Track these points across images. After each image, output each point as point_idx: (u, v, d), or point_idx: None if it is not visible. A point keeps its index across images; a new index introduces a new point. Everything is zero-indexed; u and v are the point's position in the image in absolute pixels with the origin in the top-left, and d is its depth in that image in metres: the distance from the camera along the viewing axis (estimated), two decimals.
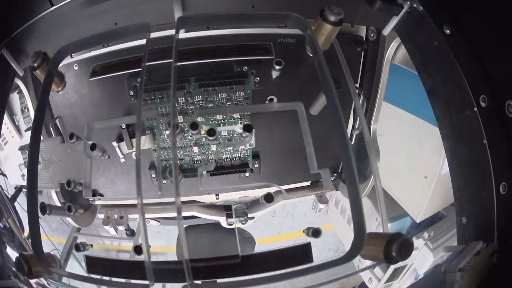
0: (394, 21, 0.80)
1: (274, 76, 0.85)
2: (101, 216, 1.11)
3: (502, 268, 0.57)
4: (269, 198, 0.89)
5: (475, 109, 0.66)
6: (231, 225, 1.10)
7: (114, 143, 0.92)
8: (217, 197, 1.07)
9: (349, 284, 2.28)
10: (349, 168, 0.53)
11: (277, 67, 0.80)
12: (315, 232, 0.87)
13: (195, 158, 0.95)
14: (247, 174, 0.98)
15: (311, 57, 0.65)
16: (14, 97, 1.56)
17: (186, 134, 0.90)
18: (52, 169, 0.96)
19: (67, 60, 0.90)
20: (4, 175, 1.71)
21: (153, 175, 0.97)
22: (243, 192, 1.07)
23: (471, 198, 0.69)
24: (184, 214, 1.12)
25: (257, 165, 0.97)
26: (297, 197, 1.09)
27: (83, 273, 0.65)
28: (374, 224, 1.84)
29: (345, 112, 0.99)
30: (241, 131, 0.76)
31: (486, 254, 0.58)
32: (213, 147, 0.92)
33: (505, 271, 0.57)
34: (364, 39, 0.95)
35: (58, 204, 1.04)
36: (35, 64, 0.73)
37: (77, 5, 0.80)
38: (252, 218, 1.11)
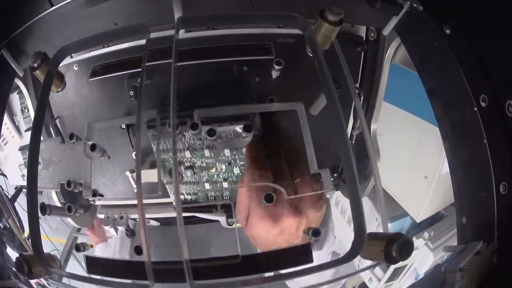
0: (394, 21, 0.80)
1: (274, 76, 0.84)
2: (101, 216, 1.10)
3: (502, 268, 0.57)
4: (269, 198, 0.89)
5: (475, 109, 0.66)
6: (231, 225, 1.09)
7: (128, 173, 0.92)
8: None
9: (350, 284, 2.28)
10: (349, 168, 0.52)
11: (277, 67, 0.80)
12: (315, 232, 0.87)
13: (209, 194, 0.92)
14: None
15: (311, 57, 0.65)
16: (14, 97, 1.56)
17: (196, 170, 0.87)
18: (52, 169, 0.96)
19: (67, 60, 0.90)
20: (4, 175, 1.71)
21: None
22: None
23: (471, 198, 0.69)
24: (184, 214, 1.11)
25: None
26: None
27: (83, 273, 0.65)
28: (374, 224, 1.84)
29: (345, 112, 0.99)
30: (241, 131, 0.76)
31: (486, 254, 0.58)
32: (225, 184, 0.90)
33: (505, 271, 0.57)
34: (364, 39, 0.95)
35: (58, 204, 1.04)
36: (35, 65, 0.73)
37: (77, 5, 0.80)
38: None
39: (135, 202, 0.51)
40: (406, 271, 1.89)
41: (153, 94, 0.84)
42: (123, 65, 0.85)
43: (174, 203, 0.99)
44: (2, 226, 1.17)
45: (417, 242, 1.70)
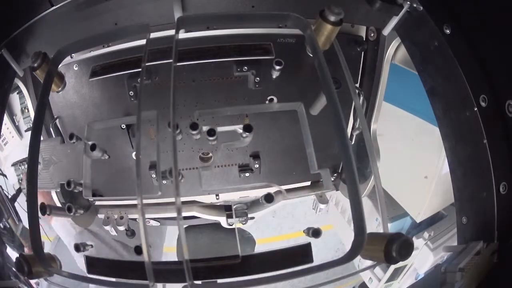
0: (394, 21, 0.80)
1: (274, 76, 0.84)
2: (101, 216, 1.10)
3: (502, 268, 0.57)
4: (269, 198, 0.89)
5: (475, 109, 0.66)
6: (231, 225, 1.09)
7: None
8: (217, 197, 1.07)
9: (350, 284, 2.28)
10: (349, 168, 0.53)
11: (277, 67, 0.80)
12: (315, 232, 0.87)
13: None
14: (247, 174, 0.98)
15: (311, 57, 0.65)
16: (14, 97, 1.56)
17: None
18: (52, 169, 0.96)
19: (67, 60, 0.90)
20: (4, 175, 1.71)
21: (154, 175, 0.97)
22: (243, 192, 1.07)
23: (471, 198, 0.69)
24: (184, 214, 1.12)
25: (257, 165, 0.97)
26: (297, 197, 1.09)
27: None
28: (374, 224, 1.83)
29: (345, 112, 0.99)
30: (241, 131, 0.76)
31: (486, 254, 0.58)
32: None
33: (505, 271, 0.57)
34: (364, 39, 0.95)
35: (58, 204, 1.04)
36: (35, 65, 0.73)
37: (77, 5, 0.80)
38: (252, 218, 1.11)
39: (135, 202, 0.51)
40: (406, 271, 1.88)
41: (153, 94, 0.84)
42: (123, 65, 0.85)
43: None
44: (2, 226, 1.17)
45: (417, 242, 1.70)
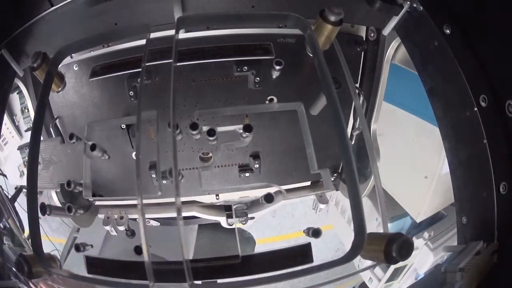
0: (394, 21, 0.80)
1: (274, 76, 0.85)
2: (101, 216, 1.10)
3: (502, 268, 0.57)
4: (269, 198, 0.89)
5: (475, 109, 0.66)
6: (231, 225, 1.09)
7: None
8: (217, 197, 1.07)
9: (350, 284, 2.28)
10: (349, 168, 0.53)
11: (277, 67, 0.80)
12: (315, 232, 0.87)
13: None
14: (247, 174, 0.98)
15: (311, 57, 0.65)
16: (14, 97, 1.56)
17: None
18: (52, 169, 0.96)
19: (67, 60, 0.90)
20: (4, 175, 1.71)
21: (154, 175, 0.97)
22: (243, 192, 1.07)
23: (471, 198, 0.69)
24: (184, 214, 1.12)
25: (257, 165, 0.97)
26: (297, 197, 1.09)
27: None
28: (374, 224, 1.83)
29: (345, 112, 0.99)
30: (241, 131, 0.76)
31: (486, 254, 0.58)
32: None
33: (505, 271, 0.57)
34: (364, 39, 0.95)
35: (58, 204, 1.04)
36: (35, 65, 0.73)
37: (77, 5, 0.80)
38: (252, 218, 1.11)
39: (135, 202, 0.51)
40: (406, 271, 1.88)
41: (152, 94, 0.84)
42: (123, 65, 0.85)
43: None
44: (2, 226, 1.17)
45: (417, 242, 1.70)
